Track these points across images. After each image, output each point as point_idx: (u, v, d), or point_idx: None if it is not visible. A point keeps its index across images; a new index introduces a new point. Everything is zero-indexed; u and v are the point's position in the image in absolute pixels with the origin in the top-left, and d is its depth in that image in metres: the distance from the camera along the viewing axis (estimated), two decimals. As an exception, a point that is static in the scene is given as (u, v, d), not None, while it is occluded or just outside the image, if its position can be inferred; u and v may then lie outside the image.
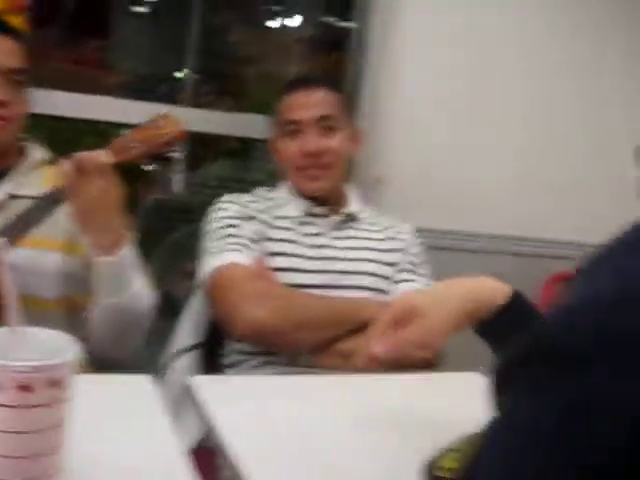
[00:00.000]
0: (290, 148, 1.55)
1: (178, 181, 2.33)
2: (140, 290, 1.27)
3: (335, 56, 2.43)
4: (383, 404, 1.08)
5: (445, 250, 2.29)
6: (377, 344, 0.88)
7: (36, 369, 0.62)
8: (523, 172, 2.44)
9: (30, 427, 0.63)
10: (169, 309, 1.70)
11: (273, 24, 2.70)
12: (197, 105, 2.36)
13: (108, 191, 1.18)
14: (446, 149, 2.32)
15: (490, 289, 0.87)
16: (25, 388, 0.61)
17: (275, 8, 2.71)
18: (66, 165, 1.18)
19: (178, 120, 1.23)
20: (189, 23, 2.41)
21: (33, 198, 1.26)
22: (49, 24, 2.25)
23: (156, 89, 2.54)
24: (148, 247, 2.45)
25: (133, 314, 1.27)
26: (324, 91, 1.56)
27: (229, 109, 2.44)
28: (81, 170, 1.16)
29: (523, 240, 2.45)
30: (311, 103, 1.54)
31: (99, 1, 2.48)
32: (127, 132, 1.22)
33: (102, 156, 1.18)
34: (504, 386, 0.46)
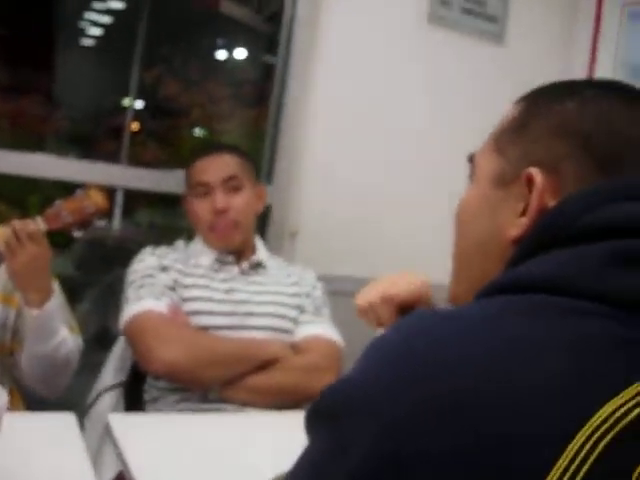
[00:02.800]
0: (201, 208, 1.74)
1: (114, 223, 2.51)
2: (65, 338, 1.46)
3: (257, 111, 2.62)
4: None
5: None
6: None
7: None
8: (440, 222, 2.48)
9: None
10: (107, 342, 1.87)
11: (213, 67, 2.81)
12: (134, 155, 2.50)
13: (39, 255, 1.37)
14: (362, 199, 2.39)
15: None
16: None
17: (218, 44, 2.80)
18: (4, 231, 1.37)
19: (103, 194, 1.43)
20: (130, 65, 2.52)
21: None
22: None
23: (100, 125, 2.68)
24: (82, 282, 2.60)
25: (58, 360, 1.46)
26: (229, 155, 1.77)
27: (161, 157, 2.61)
28: (17, 236, 1.35)
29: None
30: (218, 166, 1.75)
31: (44, 33, 2.56)
32: (58, 202, 1.41)
33: (36, 224, 1.37)
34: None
